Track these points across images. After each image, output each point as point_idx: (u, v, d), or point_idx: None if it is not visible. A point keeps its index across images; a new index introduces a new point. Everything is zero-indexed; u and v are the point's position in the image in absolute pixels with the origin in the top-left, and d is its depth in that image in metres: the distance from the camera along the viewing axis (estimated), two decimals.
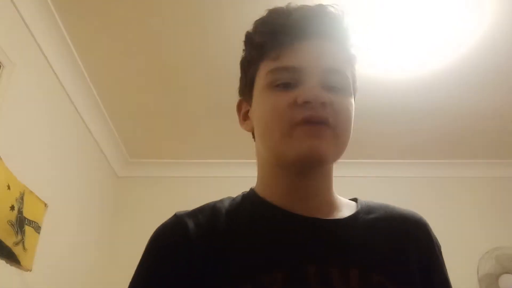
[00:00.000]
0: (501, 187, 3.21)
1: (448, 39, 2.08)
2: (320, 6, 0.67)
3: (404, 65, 2.26)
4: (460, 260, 2.94)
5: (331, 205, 0.70)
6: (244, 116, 0.76)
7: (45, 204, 2.06)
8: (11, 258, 1.76)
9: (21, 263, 1.83)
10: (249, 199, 0.71)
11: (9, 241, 1.73)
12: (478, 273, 2.87)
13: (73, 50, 2.16)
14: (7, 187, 1.72)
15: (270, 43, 0.65)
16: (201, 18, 1.99)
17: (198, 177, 3.26)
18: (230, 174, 3.28)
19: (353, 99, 0.67)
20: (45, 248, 2.04)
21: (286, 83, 0.63)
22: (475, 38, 2.08)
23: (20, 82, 1.84)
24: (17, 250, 1.80)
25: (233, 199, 0.73)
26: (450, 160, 3.21)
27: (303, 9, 0.66)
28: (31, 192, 1.92)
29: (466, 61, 2.23)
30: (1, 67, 1.70)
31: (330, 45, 0.65)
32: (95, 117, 2.64)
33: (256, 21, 0.70)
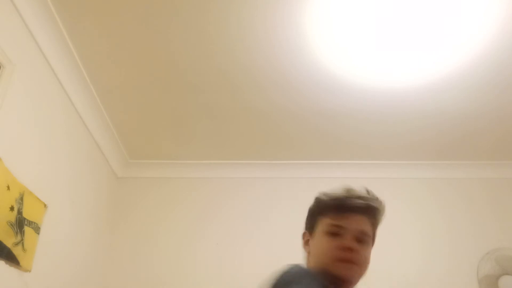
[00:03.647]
0: (501, 188, 3.21)
1: (450, 44, 2.08)
2: (367, 195, 1.11)
3: (406, 69, 2.26)
4: (460, 261, 2.95)
5: None
6: (306, 242, 1.16)
7: (45, 205, 2.06)
8: (11, 258, 1.75)
9: (21, 264, 1.82)
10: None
11: (8, 242, 1.73)
12: (478, 274, 2.87)
13: (73, 50, 2.16)
14: (6, 188, 1.71)
15: (334, 209, 1.10)
16: (202, 20, 1.99)
17: (198, 178, 3.26)
18: (229, 175, 3.28)
19: (371, 246, 1.12)
20: (45, 249, 2.04)
21: (335, 233, 1.07)
22: (477, 42, 2.08)
23: (20, 82, 1.84)
24: (17, 251, 1.79)
25: None
26: (450, 161, 3.21)
27: (357, 194, 1.10)
28: (30, 192, 1.91)
29: (468, 65, 2.23)
30: (1, 67, 1.70)
31: (365, 218, 1.10)
32: (95, 118, 2.64)
33: (330, 194, 1.13)
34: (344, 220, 1.07)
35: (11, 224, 1.75)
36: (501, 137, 2.90)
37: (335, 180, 3.24)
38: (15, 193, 1.78)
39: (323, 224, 1.10)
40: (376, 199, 1.12)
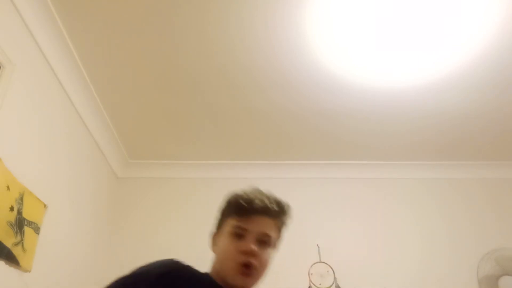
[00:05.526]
0: (501, 188, 3.21)
1: (450, 44, 2.08)
2: (273, 198, 1.14)
3: (406, 69, 2.26)
4: (460, 261, 2.95)
5: None
6: (214, 242, 1.17)
7: (45, 205, 2.06)
8: (11, 259, 1.75)
9: (20, 264, 1.82)
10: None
11: (8, 242, 1.73)
12: (478, 274, 2.87)
13: (73, 50, 2.16)
14: (6, 188, 1.71)
15: (239, 210, 1.10)
16: (202, 20, 1.99)
17: (198, 178, 3.26)
18: (229, 175, 3.28)
19: (274, 249, 1.14)
20: (45, 249, 2.03)
21: (239, 234, 1.08)
22: (477, 42, 2.08)
23: (20, 82, 1.84)
24: (17, 251, 1.79)
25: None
26: (450, 161, 3.21)
27: (262, 198, 1.11)
28: (30, 193, 1.91)
29: (468, 65, 2.23)
30: (1, 67, 1.70)
31: (270, 220, 1.11)
32: (95, 118, 2.64)
33: (237, 195, 1.14)
34: (248, 222, 1.08)
35: (11, 224, 1.75)
36: (501, 137, 2.90)
37: (335, 180, 3.26)
38: (15, 193, 1.78)
39: (229, 225, 1.11)
40: (281, 202, 1.15)
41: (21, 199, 1.83)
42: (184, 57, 2.21)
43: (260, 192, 1.14)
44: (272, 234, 1.11)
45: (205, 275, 1.11)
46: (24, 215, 1.85)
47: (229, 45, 2.12)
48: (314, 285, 2.76)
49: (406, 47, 2.12)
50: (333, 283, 2.75)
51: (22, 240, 1.83)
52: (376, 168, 3.25)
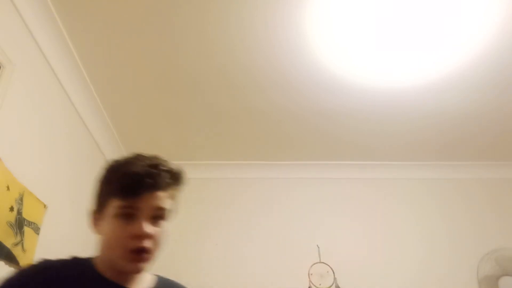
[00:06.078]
0: (501, 188, 3.21)
1: (450, 44, 2.08)
2: (163, 169, 0.96)
3: (406, 69, 2.26)
4: (460, 262, 2.95)
5: (139, 279, 1.01)
6: (95, 223, 1.03)
7: (45, 205, 2.05)
8: (10, 259, 1.75)
9: (20, 264, 1.82)
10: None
11: (8, 242, 1.73)
12: (478, 274, 2.87)
13: (73, 50, 2.16)
14: (6, 188, 1.71)
15: (127, 191, 0.92)
16: (202, 20, 1.99)
17: (198, 178, 3.26)
18: (229, 175, 3.28)
19: (170, 219, 0.98)
20: (44, 249, 2.03)
21: (128, 214, 0.91)
22: (477, 42, 2.08)
23: (20, 82, 1.84)
24: (16, 251, 1.79)
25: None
26: (450, 161, 3.21)
27: (151, 171, 0.94)
28: (30, 193, 1.91)
29: (468, 65, 2.23)
30: (1, 67, 1.70)
31: (162, 192, 0.95)
32: (95, 118, 2.63)
33: (120, 171, 0.96)
34: (137, 201, 0.92)
35: (11, 225, 1.75)
36: (501, 137, 2.90)
37: (335, 180, 3.26)
38: (15, 193, 1.78)
39: (113, 206, 0.94)
40: (173, 170, 0.99)
41: (21, 199, 1.83)
42: (184, 57, 2.21)
43: (147, 162, 0.96)
44: (167, 205, 0.96)
45: (85, 261, 1.01)
46: (24, 215, 1.85)
47: (229, 45, 2.12)
48: (314, 285, 2.76)
49: (406, 47, 2.12)
50: (333, 283, 2.75)
51: (22, 240, 1.83)
52: (376, 168, 3.25)
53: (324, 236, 3.02)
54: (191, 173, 3.27)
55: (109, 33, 2.07)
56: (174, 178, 0.99)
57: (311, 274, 2.81)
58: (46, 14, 1.93)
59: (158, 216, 0.94)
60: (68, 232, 2.38)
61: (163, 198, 0.95)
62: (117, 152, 3.08)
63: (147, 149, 3.54)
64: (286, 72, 2.31)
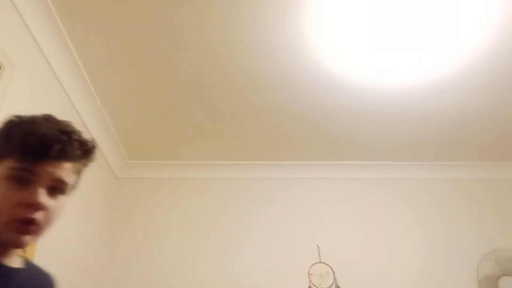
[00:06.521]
0: (501, 188, 3.21)
1: (450, 44, 2.08)
2: (74, 139, 0.85)
3: (406, 69, 2.26)
4: (460, 262, 2.95)
5: (13, 256, 0.89)
6: None
7: None
8: None
9: None
10: None
11: None
12: (478, 275, 2.87)
13: (73, 50, 2.16)
14: None
15: (30, 153, 0.81)
16: (202, 20, 1.99)
17: (197, 178, 3.26)
18: (229, 175, 3.28)
19: (68, 195, 0.89)
20: (44, 249, 2.03)
21: (22, 178, 0.80)
22: (477, 42, 2.08)
23: (20, 82, 1.84)
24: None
25: None
26: (450, 161, 3.21)
27: (61, 138, 0.83)
28: None
29: (468, 65, 2.23)
30: (1, 67, 1.70)
31: (67, 163, 0.85)
32: (95, 118, 2.63)
33: (25, 128, 0.83)
34: (38, 166, 0.81)
35: None
36: (501, 137, 2.90)
37: (335, 180, 3.26)
38: None
39: (6, 166, 0.81)
40: (85, 142, 0.89)
41: None
42: (184, 57, 2.21)
43: (58, 126, 0.85)
44: (70, 180, 0.86)
45: None
46: None
47: (229, 45, 2.12)
48: (314, 285, 2.76)
49: (406, 47, 2.12)
50: (333, 283, 2.75)
51: None
52: (376, 168, 3.26)
53: (324, 236, 3.02)
54: (191, 173, 3.29)
55: (109, 33, 2.07)
56: (85, 151, 0.88)
57: (311, 274, 2.81)
58: (46, 14, 1.93)
59: (57, 188, 0.84)
60: (68, 232, 2.38)
61: (68, 170, 0.85)
62: (117, 152, 3.08)
63: (147, 149, 3.54)
64: (286, 72, 2.31)
